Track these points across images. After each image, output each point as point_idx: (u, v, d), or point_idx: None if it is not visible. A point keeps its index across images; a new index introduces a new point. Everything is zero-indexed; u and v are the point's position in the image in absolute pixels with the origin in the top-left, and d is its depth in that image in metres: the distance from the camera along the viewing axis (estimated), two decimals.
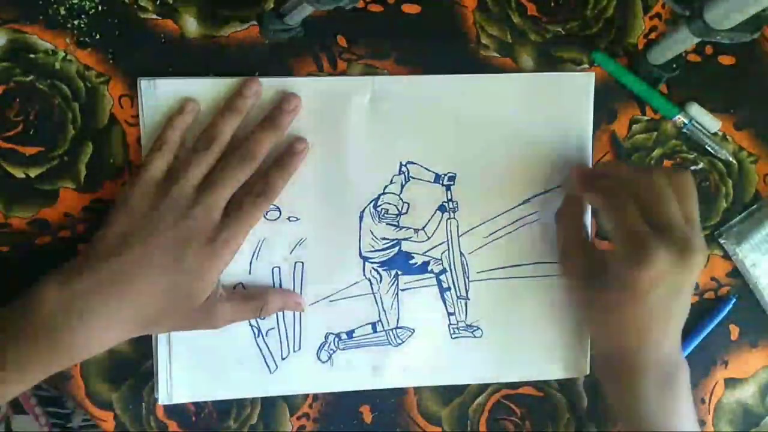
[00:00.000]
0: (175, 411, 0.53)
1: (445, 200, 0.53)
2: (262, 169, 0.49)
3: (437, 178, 0.52)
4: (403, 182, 0.52)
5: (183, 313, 0.47)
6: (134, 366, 0.52)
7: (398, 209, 0.52)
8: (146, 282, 0.45)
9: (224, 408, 0.52)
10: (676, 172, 0.48)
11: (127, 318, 0.45)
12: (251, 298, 0.50)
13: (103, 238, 0.46)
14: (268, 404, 0.53)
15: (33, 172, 0.50)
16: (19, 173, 0.50)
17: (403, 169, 0.52)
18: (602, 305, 0.48)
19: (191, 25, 0.50)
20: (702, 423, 0.56)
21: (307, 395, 0.53)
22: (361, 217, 0.52)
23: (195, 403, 0.53)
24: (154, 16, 0.50)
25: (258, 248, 0.51)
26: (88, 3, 0.49)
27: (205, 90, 0.50)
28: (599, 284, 0.47)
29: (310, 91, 0.50)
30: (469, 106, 0.52)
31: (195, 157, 0.47)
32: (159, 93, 0.49)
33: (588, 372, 0.55)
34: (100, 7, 0.50)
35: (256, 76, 0.50)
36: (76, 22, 0.49)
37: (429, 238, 0.53)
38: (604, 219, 0.47)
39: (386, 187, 0.52)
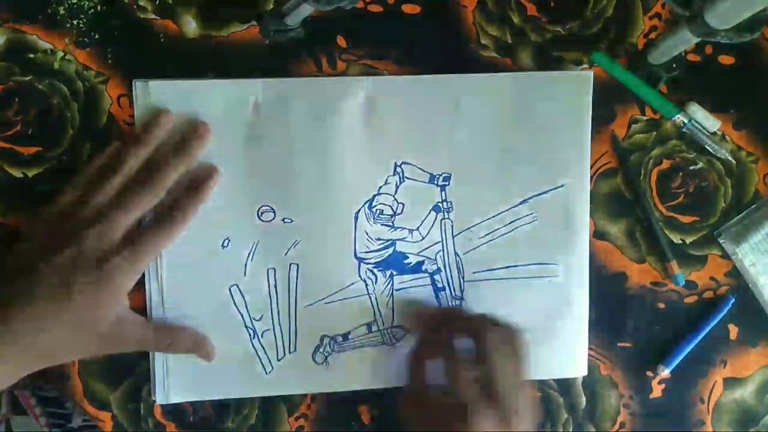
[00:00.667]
0: (173, 411, 0.52)
1: (440, 200, 0.53)
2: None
3: (432, 178, 0.52)
4: (398, 183, 0.52)
5: (84, 342, 0.46)
6: (132, 366, 0.52)
7: (393, 210, 0.52)
8: (36, 313, 0.44)
9: (223, 408, 0.52)
10: (512, 330, 0.48)
11: (22, 351, 0.44)
12: (162, 332, 0.50)
13: (6, 263, 0.46)
14: (267, 405, 0.53)
15: (31, 172, 0.50)
16: (17, 173, 0.50)
17: (398, 169, 0.52)
18: None
19: (191, 25, 0.50)
20: (701, 423, 0.57)
21: (305, 395, 0.53)
22: (355, 218, 0.52)
23: (193, 404, 0.53)
24: (154, 16, 0.50)
25: (253, 250, 0.51)
26: (87, 3, 0.49)
27: (198, 91, 0.50)
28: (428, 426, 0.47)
29: (304, 91, 0.50)
30: (465, 105, 0.52)
31: (97, 186, 0.47)
32: (153, 94, 0.49)
33: (586, 372, 0.55)
34: (99, 7, 0.49)
35: (167, 111, 0.49)
36: (75, 22, 0.49)
37: (423, 238, 0.53)
38: (445, 368, 0.48)
39: (381, 187, 0.52)
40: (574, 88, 0.53)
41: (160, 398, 0.52)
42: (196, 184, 0.49)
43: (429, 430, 0.46)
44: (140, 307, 0.51)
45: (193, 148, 0.49)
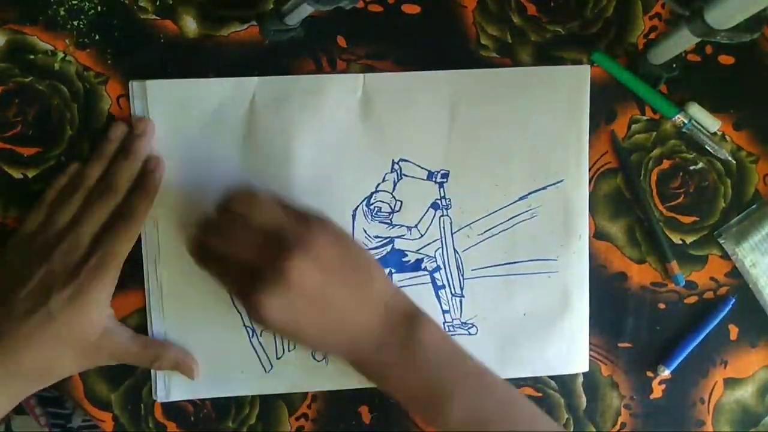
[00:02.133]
0: (173, 411, 0.53)
1: (438, 197, 0.53)
2: None
3: (430, 175, 0.52)
4: (396, 180, 0.52)
5: (73, 358, 0.46)
6: (133, 367, 0.52)
7: (391, 207, 0.52)
8: (18, 337, 0.44)
9: (223, 408, 0.52)
10: (235, 195, 0.45)
11: (11, 378, 0.44)
12: (150, 347, 0.50)
13: None
14: (267, 404, 0.53)
15: (31, 173, 0.50)
16: (17, 174, 0.50)
17: (396, 166, 0.52)
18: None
19: (191, 26, 0.50)
20: (702, 423, 0.57)
21: (305, 395, 0.54)
22: (353, 216, 0.52)
23: (194, 404, 0.53)
24: (154, 17, 0.50)
25: None
26: (87, 4, 0.49)
27: (195, 90, 0.50)
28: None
29: (301, 88, 0.50)
30: (462, 101, 0.52)
31: (60, 204, 0.48)
32: (150, 94, 0.49)
33: (586, 369, 0.55)
34: (99, 8, 0.50)
35: (121, 124, 0.49)
36: (75, 23, 0.49)
37: (422, 235, 0.53)
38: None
39: (378, 185, 0.52)
40: (571, 82, 0.53)
41: (160, 396, 0.52)
42: (143, 180, 0.49)
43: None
44: (140, 308, 0.51)
45: (136, 147, 0.49)
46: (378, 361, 0.44)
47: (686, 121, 0.53)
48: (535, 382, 0.55)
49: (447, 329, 0.54)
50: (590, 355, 0.55)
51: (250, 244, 0.43)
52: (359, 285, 0.44)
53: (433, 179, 0.52)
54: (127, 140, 0.49)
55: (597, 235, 0.54)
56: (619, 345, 0.55)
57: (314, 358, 0.53)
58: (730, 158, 0.54)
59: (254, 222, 0.43)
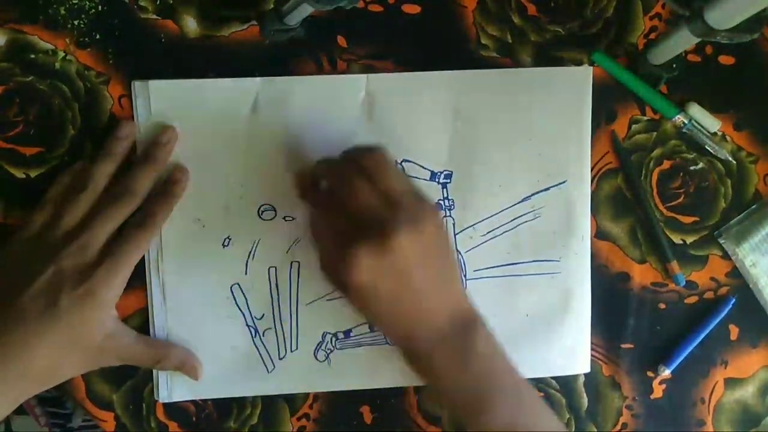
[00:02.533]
0: (175, 411, 0.52)
1: (441, 198, 0.53)
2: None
3: (433, 176, 0.52)
4: None
5: (77, 359, 0.46)
6: (135, 367, 0.52)
7: None
8: (24, 337, 0.44)
9: (224, 408, 0.52)
10: (368, 151, 0.45)
11: (15, 378, 0.44)
12: (154, 348, 0.50)
13: None
14: (269, 404, 0.53)
15: (33, 173, 0.50)
16: (19, 173, 0.50)
17: (399, 167, 0.52)
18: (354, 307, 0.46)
19: (191, 25, 0.50)
20: (702, 423, 0.57)
21: (307, 395, 0.53)
22: None
23: (195, 404, 0.53)
24: (154, 16, 0.50)
25: (254, 249, 0.51)
26: (88, 3, 0.49)
27: (198, 90, 0.50)
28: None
29: (304, 89, 0.50)
30: (464, 102, 0.52)
31: (68, 203, 0.47)
32: (152, 94, 0.49)
33: (588, 369, 0.55)
34: (100, 7, 0.50)
35: (131, 122, 0.49)
36: (76, 23, 0.49)
37: None
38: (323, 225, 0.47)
39: None
40: (573, 83, 0.53)
41: (162, 397, 0.52)
42: (166, 188, 0.49)
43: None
44: (142, 308, 0.51)
45: (160, 154, 0.49)
46: (432, 356, 0.44)
47: (686, 122, 0.53)
48: (536, 381, 0.55)
49: None
50: (591, 355, 0.55)
51: (368, 199, 0.43)
52: (442, 278, 0.45)
53: (436, 180, 0.52)
54: (151, 148, 0.49)
55: (599, 235, 0.54)
56: (621, 345, 0.55)
57: (317, 359, 0.53)
58: (730, 158, 0.55)
59: (379, 181, 0.43)
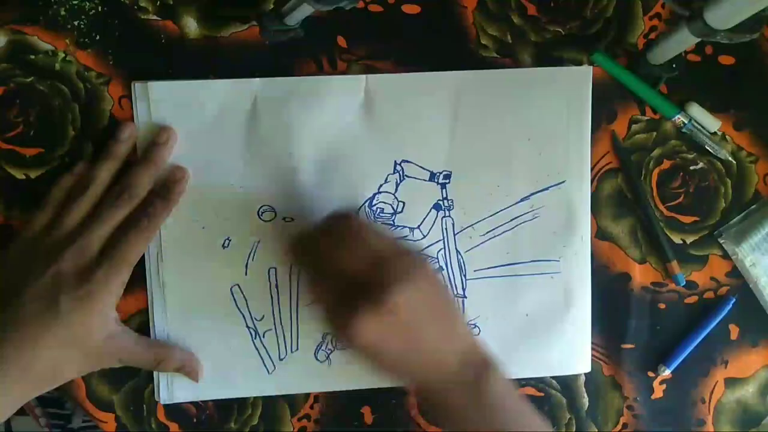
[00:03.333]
0: (176, 412, 0.52)
1: (441, 198, 0.53)
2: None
3: (432, 176, 0.52)
4: (398, 181, 0.52)
5: (77, 360, 0.46)
6: (136, 368, 0.52)
7: (393, 208, 0.52)
8: (24, 338, 0.44)
9: (225, 409, 0.52)
10: (338, 218, 0.46)
11: (16, 380, 0.44)
12: (154, 349, 0.50)
13: None
14: (270, 405, 0.53)
15: (33, 173, 0.50)
16: (19, 174, 0.50)
17: (398, 167, 0.52)
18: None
19: (191, 26, 0.50)
20: (702, 423, 0.57)
21: (308, 396, 0.53)
22: None
23: (196, 405, 0.53)
24: (154, 17, 0.50)
25: (254, 250, 0.51)
26: (88, 4, 0.49)
27: (198, 91, 0.50)
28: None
29: (303, 90, 0.50)
30: (463, 102, 0.52)
31: (69, 205, 0.47)
32: (152, 96, 0.49)
33: (589, 369, 0.55)
34: (100, 8, 0.50)
35: (131, 124, 0.49)
36: (76, 23, 0.49)
37: (424, 236, 0.53)
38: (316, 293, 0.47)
39: (381, 186, 0.52)
40: (574, 83, 0.53)
41: (163, 398, 0.52)
42: (165, 189, 0.49)
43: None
44: (142, 309, 0.51)
45: (158, 155, 0.49)
46: (446, 401, 0.44)
47: (686, 121, 0.53)
48: (537, 381, 0.55)
49: None
50: (592, 355, 0.55)
51: (362, 259, 0.43)
52: (445, 325, 0.45)
53: (436, 180, 0.52)
54: (149, 148, 0.49)
55: (599, 235, 0.55)
56: (621, 345, 0.55)
57: (317, 359, 0.53)
58: (730, 158, 0.55)
59: (369, 241, 0.44)
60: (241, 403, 0.53)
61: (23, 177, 0.50)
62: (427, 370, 0.44)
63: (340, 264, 0.43)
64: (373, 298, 0.41)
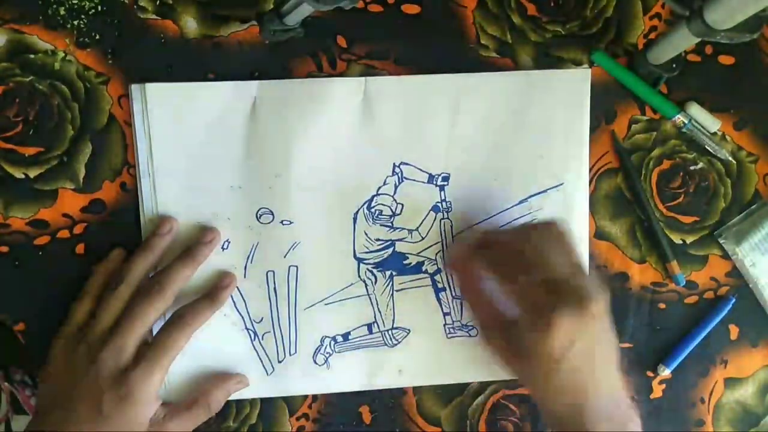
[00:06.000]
0: None
1: (439, 200, 0.53)
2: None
3: (431, 178, 0.52)
4: (397, 183, 0.52)
5: None
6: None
7: (392, 210, 0.52)
8: None
9: (223, 408, 0.52)
10: (549, 224, 0.47)
11: None
12: (195, 404, 0.50)
13: (39, 397, 0.47)
14: (268, 405, 0.53)
15: (32, 173, 0.50)
16: (18, 173, 0.50)
17: (397, 170, 0.52)
18: (527, 373, 0.46)
19: (191, 26, 0.50)
20: (701, 423, 0.57)
21: (306, 395, 0.54)
22: (354, 219, 0.52)
23: None
24: (154, 17, 0.50)
25: (252, 252, 0.51)
26: (87, 3, 0.49)
27: (195, 93, 0.50)
28: (517, 351, 0.46)
29: (302, 92, 0.50)
30: (463, 105, 0.52)
31: (105, 300, 0.47)
32: (149, 97, 0.49)
33: None
34: (99, 8, 0.50)
35: (172, 218, 0.50)
36: (75, 23, 0.49)
37: (423, 238, 0.53)
38: (503, 291, 0.48)
39: (380, 188, 0.52)
40: (572, 85, 0.53)
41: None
42: (212, 291, 0.50)
43: (516, 351, 0.46)
44: None
45: (201, 256, 0.50)
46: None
47: (686, 121, 0.53)
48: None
49: (448, 331, 0.54)
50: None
51: (567, 266, 0.45)
52: (610, 356, 0.46)
53: (434, 182, 0.52)
54: (195, 247, 0.50)
55: (597, 235, 0.54)
56: (620, 345, 0.55)
57: (315, 362, 0.53)
58: (730, 158, 0.55)
59: (573, 250, 0.46)
60: (240, 402, 0.53)
61: (22, 176, 0.50)
62: (587, 394, 0.45)
63: (544, 266, 0.44)
64: (577, 301, 0.43)
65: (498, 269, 0.47)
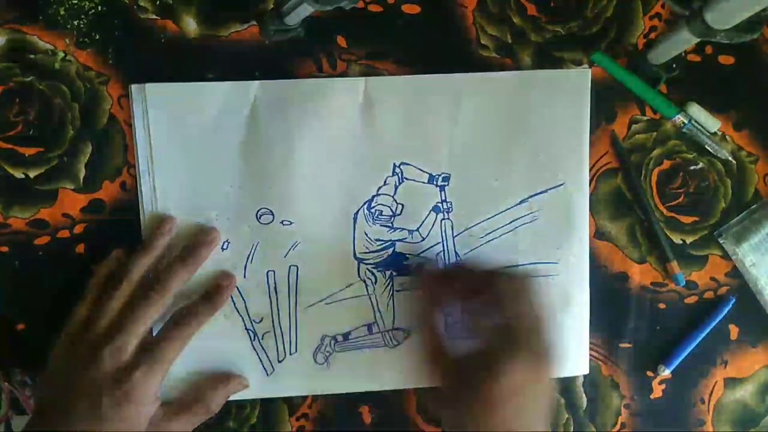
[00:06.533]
0: None
1: (440, 201, 0.53)
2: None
3: (431, 178, 0.52)
4: (397, 183, 0.52)
5: None
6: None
7: (392, 210, 0.52)
8: None
9: (223, 408, 0.52)
10: (521, 275, 0.48)
11: None
12: (195, 403, 0.50)
13: (38, 397, 0.48)
14: (268, 405, 0.53)
15: (32, 173, 0.50)
16: (18, 173, 0.50)
17: (397, 170, 0.52)
18: (462, 413, 0.46)
19: (191, 26, 0.50)
20: (701, 423, 0.57)
21: (306, 395, 0.54)
22: (354, 219, 0.52)
23: None
24: (154, 17, 0.50)
25: (252, 252, 0.51)
26: (87, 3, 0.49)
27: (195, 93, 0.50)
28: (457, 389, 0.46)
29: (302, 92, 0.50)
30: (463, 105, 0.52)
31: (105, 300, 0.47)
32: (149, 98, 0.49)
33: (587, 371, 0.55)
34: (99, 8, 0.50)
35: (171, 217, 0.50)
36: (75, 23, 0.49)
37: (424, 238, 0.53)
38: (462, 324, 0.48)
39: (380, 188, 0.52)
40: (572, 86, 0.52)
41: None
42: (213, 291, 0.50)
43: (456, 384, 0.46)
44: None
45: (201, 256, 0.50)
46: None
47: (686, 121, 0.53)
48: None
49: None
50: (590, 355, 0.55)
51: (529, 318, 0.45)
52: (544, 413, 0.46)
53: (435, 182, 0.52)
54: (195, 247, 0.50)
55: (597, 235, 0.54)
56: (620, 345, 0.55)
57: (315, 362, 0.53)
58: (730, 158, 0.55)
59: (534, 302, 0.46)
60: (240, 402, 0.53)
61: (22, 176, 0.50)
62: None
63: (511, 314, 0.45)
64: (533, 349, 0.43)
65: (464, 303, 0.48)
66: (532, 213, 0.53)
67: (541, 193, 0.53)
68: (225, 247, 0.51)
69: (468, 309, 0.47)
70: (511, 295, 0.45)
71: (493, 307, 0.45)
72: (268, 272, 0.52)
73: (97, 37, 0.50)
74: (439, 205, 0.52)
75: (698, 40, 0.45)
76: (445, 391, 0.46)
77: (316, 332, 0.52)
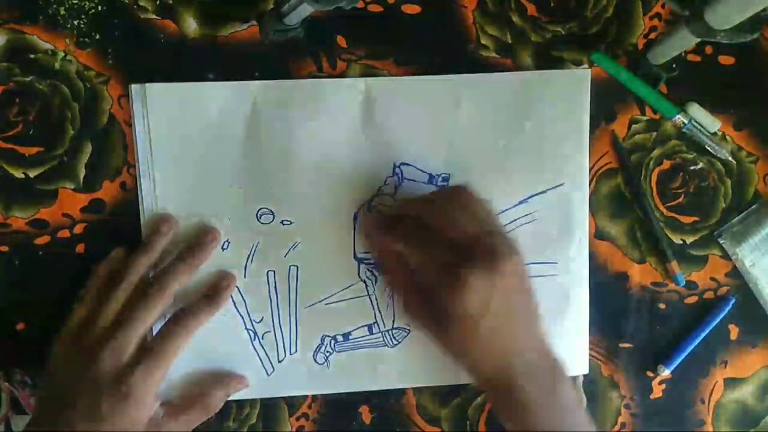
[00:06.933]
0: None
1: None
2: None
3: (431, 179, 0.52)
4: (397, 184, 0.52)
5: None
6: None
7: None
8: None
9: (223, 408, 0.52)
10: (455, 188, 0.47)
11: None
12: (194, 402, 0.50)
13: (39, 397, 0.47)
14: (268, 404, 0.53)
15: (32, 173, 0.50)
16: (18, 173, 0.50)
17: (397, 170, 0.52)
18: (448, 339, 0.46)
19: (191, 26, 0.50)
20: (701, 423, 0.57)
21: (306, 395, 0.54)
22: (355, 219, 0.52)
23: None
24: (154, 16, 0.50)
25: (252, 252, 0.51)
26: (87, 3, 0.49)
27: (195, 93, 0.50)
28: (437, 318, 0.46)
29: (302, 92, 0.50)
30: (463, 105, 0.52)
31: (105, 299, 0.47)
32: (149, 98, 0.49)
33: (586, 371, 0.55)
34: (99, 8, 0.50)
35: (171, 217, 0.50)
36: (75, 23, 0.49)
37: None
38: (414, 261, 0.47)
39: (380, 188, 0.52)
40: (572, 86, 0.52)
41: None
42: (212, 291, 0.50)
43: (436, 318, 0.46)
44: None
45: (201, 256, 0.50)
46: (523, 391, 0.45)
47: (686, 121, 0.53)
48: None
49: None
50: (590, 355, 0.55)
51: (471, 228, 0.44)
52: (531, 317, 0.46)
53: (434, 183, 0.52)
54: (196, 247, 0.50)
55: (597, 235, 0.54)
56: (620, 345, 0.55)
57: (316, 362, 0.53)
58: (730, 158, 0.55)
59: (481, 210, 0.46)
60: (240, 402, 0.53)
61: (22, 176, 0.50)
62: (511, 351, 0.45)
63: (452, 230, 0.44)
64: (486, 259, 0.42)
65: (409, 242, 0.47)
66: (531, 213, 0.53)
67: (541, 193, 0.53)
68: (225, 247, 0.51)
69: (423, 242, 0.46)
70: (449, 209, 0.45)
71: (438, 228, 0.45)
72: (268, 272, 0.52)
73: (97, 37, 0.50)
74: None
75: (698, 40, 0.45)
76: (434, 330, 0.47)
77: (316, 332, 0.52)
